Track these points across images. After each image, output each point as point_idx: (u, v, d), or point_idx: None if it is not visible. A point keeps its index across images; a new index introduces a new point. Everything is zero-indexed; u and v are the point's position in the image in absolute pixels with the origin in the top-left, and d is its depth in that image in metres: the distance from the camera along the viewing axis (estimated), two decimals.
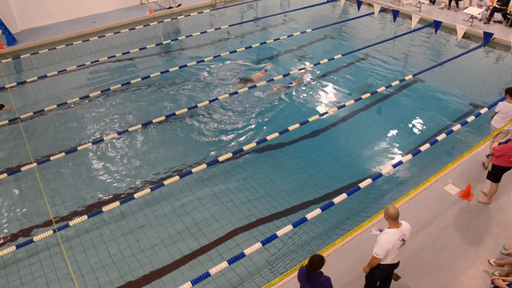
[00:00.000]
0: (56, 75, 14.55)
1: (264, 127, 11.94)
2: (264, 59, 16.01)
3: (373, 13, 18.89)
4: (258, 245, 7.47)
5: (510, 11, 17.58)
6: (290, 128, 10.93)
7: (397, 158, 10.66)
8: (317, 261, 5.48)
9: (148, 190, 9.08)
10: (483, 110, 11.41)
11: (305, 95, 13.65)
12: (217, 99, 12.71)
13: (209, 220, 8.95)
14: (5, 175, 9.80)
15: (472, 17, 18.09)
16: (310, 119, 11.37)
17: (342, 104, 12.37)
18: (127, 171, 10.47)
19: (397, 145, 11.40)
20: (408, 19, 18.46)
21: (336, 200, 8.31)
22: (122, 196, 9.58)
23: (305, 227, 8.50)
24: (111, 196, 9.69)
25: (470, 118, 11.09)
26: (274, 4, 22.84)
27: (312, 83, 14.30)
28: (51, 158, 10.27)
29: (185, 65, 14.66)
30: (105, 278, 7.77)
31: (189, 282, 6.80)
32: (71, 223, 8.38)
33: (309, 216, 7.97)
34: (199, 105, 12.34)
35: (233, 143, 11.32)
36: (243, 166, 10.57)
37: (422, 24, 17.76)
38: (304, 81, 14.37)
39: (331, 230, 8.56)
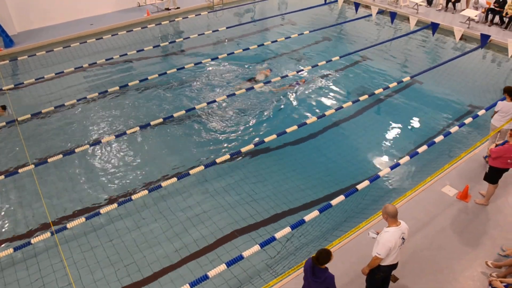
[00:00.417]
0: (53, 77, 14.53)
1: (262, 129, 11.95)
2: (262, 61, 16.01)
3: (370, 15, 18.95)
4: (256, 247, 7.46)
5: (506, 13, 17.64)
6: (288, 130, 10.93)
7: (395, 159, 10.68)
8: (324, 256, 5.50)
9: (145, 192, 9.06)
10: (480, 112, 11.44)
11: (302, 97, 13.66)
12: (215, 101, 12.72)
13: (207, 222, 8.95)
14: (2, 177, 9.75)
15: (469, 19, 18.16)
16: (308, 121, 11.38)
17: (340, 106, 12.38)
18: (124, 173, 10.45)
19: (394, 146, 11.42)
20: (406, 21, 18.51)
21: (334, 202, 8.32)
22: (120, 198, 9.56)
23: (303, 229, 8.50)
24: (109, 198, 9.67)
25: (468, 120, 11.12)
26: (272, 6, 22.87)
27: (310, 85, 14.31)
28: (49, 160, 10.24)
29: (183, 67, 14.66)
30: (103, 280, 7.74)
31: (188, 285, 6.79)
32: (69, 225, 8.35)
33: (307, 218, 7.98)
34: (197, 107, 12.35)
35: (230, 145, 11.33)
36: (241, 168, 10.57)
37: (419, 26, 17.81)
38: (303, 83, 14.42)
39: (329, 232, 8.57)
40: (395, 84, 13.56)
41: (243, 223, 8.91)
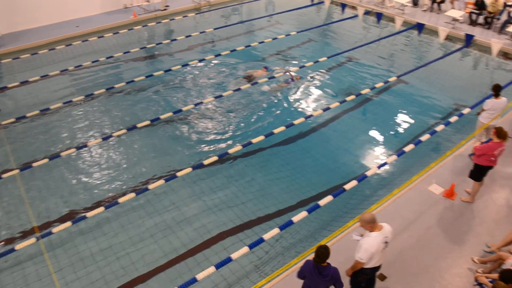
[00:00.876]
0: (38, 80, 14.36)
1: (249, 130, 11.94)
2: (250, 61, 16.00)
3: (357, 15, 19.07)
4: (245, 249, 7.46)
5: (490, 13, 17.85)
6: (276, 131, 10.95)
7: (382, 159, 10.75)
8: (323, 252, 5.55)
9: (133, 194, 9.00)
10: (465, 110, 11.58)
11: (290, 98, 13.68)
12: (202, 102, 12.69)
13: (195, 224, 8.91)
14: None
15: (453, 19, 18.36)
16: (296, 122, 11.41)
17: (327, 106, 12.43)
18: (111, 176, 10.36)
19: (381, 146, 11.50)
20: (392, 21, 18.67)
21: (322, 202, 8.35)
22: (107, 201, 9.47)
23: (292, 230, 8.50)
24: (96, 201, 9.57)
25: (453, 118, 11.26)
26: (259, 7, 22.88)
27: (297, 85, 14.34)
28: (34, 164, 10.12)
29: (170, 69, 14.61)
30: (90, 286, 7.66)
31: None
32: (54, 230, 8.26)
33: (295, 219, 7.99)
34: (183, 108, 12.31)
35: (218, 146, 11.29)
36: (229, 169, 10.55)
37: (405, 27, 17.97)
38: (289, 83, 14.45)
39: (318, 232, 8.58)
40: (381, 84, 13.66)
41: (232, 225, 8.88)
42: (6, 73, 15.45)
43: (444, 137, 11.47)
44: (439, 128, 10.91)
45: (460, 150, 10.62)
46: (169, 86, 14.30)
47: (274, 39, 17.25)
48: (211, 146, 11.32)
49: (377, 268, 6.30)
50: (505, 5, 17.93)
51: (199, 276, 6.94)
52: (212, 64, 15.63)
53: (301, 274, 5.91)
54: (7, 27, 18.16)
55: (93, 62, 15.37)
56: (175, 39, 17.38)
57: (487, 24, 18.06)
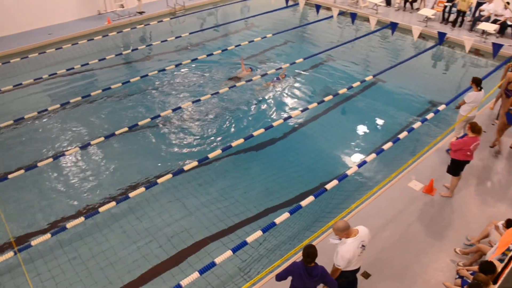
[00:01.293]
0: (11, 90, 14.00)
1: (229, 134, 11.91)
2: (226, 65, 15.97)
3: (332, 16, 19.25)
4: (229, 252, 7.40)
5: (460, 12, 18.24)
6: (255, 133, 10.94)
7: (362, 157, 10.85)
8: (313, 252, 5.49)
9: (113, 203, 8.84)
10: (441, 107, 11.79)
11: (268, 99, 13.71)
12: (180, 107, 12.61)
13: (178, 231, 8.81)
14: None
15: (426, 18, 18.72)
16: (275, 124, 11.42)
17: (306, 107, 12.50)
18: (90, 185, 10.17)
19: (361, 145, 11.61)
20: (366, 21, 18.91)
21: (304, 203, 8.36)
22: (87, 211, 9.29)
23: (275, 232, 8.50)
24: (75, 212, 9.37)
25: (430, 115, 11.45)
26: (234, 11, 22.89)
27: (275, 87, 14.38)
28: (9, 176, 9.84)
29: (147, 75, 14.46)
30: None
31: None
32: (33, 242, 8.05)
33: (277, 220, 7.97)
34: (162, 114, 12.19)
35: (197, 151, 11.22)
36: (209, 174, 10.49)
37: (379, 26, 18.23)
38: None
39: (301, 233, 8.60)
40: (358, 83, 13.80)
41: (214, 229, 8.82)
42: None
43: (421, 133, 11.66)
44: (416, 125, 11.07)
45: (438, 145, 10.82)
46: (146, 92, 14.15)
47: (250, 42, 17.26)
48: (191, 151, 11.23)
49: (357, 270, 6.30)
50: (478, 4, 18.38)
51: (184, 282, 6.85)
52: (189, 69, 15.54)
53: (284, 276, 5.86)
54: None
55: (67, 70, 15.06)
56: (150, 44, 17.24)
57: (457, 22, 18.43)
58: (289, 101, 13.76)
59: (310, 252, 5.51)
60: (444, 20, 18.92)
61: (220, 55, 16.28)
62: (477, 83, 9.89)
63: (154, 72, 14.58)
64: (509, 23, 17.10)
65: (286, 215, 8.09)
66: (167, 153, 11.24)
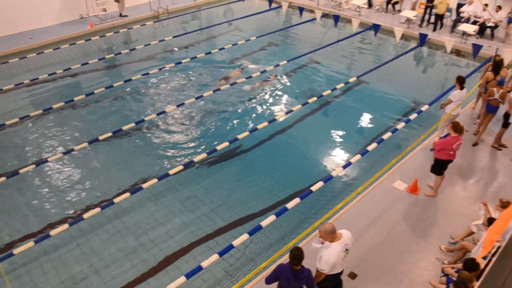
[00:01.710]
0: None
1: (213, 137, 11.86)
2: (211, 68, 15.94)
3: (315, 19, 19.36)
4: (215, 256, 7.37)
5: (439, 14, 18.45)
6: (240, 136, 10.93)
7: (347, 159, 10.92)
8: (300, 254, 5.51)
9: (98, 209, 8.74)
10: (424, 107, 11.93)
11: (252, 102, 13.73)
12: (165, 111, 12.53)
13: (164, 235, 8.75)
14: None
15: (408, 19, 18.96)
16: (259, 126, 11.42)
17: (290, 109, 12.54)
18: (74, 192, 10.04)
19: (346, 146, 11.69)
20: (349, 23, 19.06)
21: (290, 205, 8.37)
22: (71, 218, 9.16)
23: (261, 234, 8.48)
24: (60, 219, 9.24)
25: (413, 116, 11.59)
26: (218, 14, 22.86)
27: (259, 90, 14.40)
28: None
29: (130, 79, 14.33)
30: None
31: None
32: (15, 251, 7.90)
33: (264, 223, 7.97)
34: (146, 118, 12.09)
35: (183, 155, 11.16)
36: (195, 178, 10.44)
37: (362, 28, 18.40)
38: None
39: (288, 236, 8.61)
40: (342, 85, 13.89)
41: (201, 233, 8.78)
42: None
43: (405, 134, 11.78)
44: (400, 125, 11.19)
45: (421, 145, 10.94)
46: (130, 96, 14.05)
47: (234, 44, 17.24)
48: (176, 155, 11.18)
49: (340, 273, 6.32)
50: (458, 5, 18.65)
51: (170, 286, 6.79)
52: (173, 72, 15.47)
53: (273, 278, 5.87)
54: None
55: (49, 75, 14.85)
56: (134, 48, 17.10)
57: (437, 24, 18.64)
58: (274, 103, 13.78)
59: (296, 255, 5.53)
60: (424, 21, 19.12)
61: (204, 58, 16.22)
62: (460, 81, 10.12)
63: (138, 76, 14.47)
64: (488, 24, 17.41)
65: (272, 217, 8.10)
66: (152, 158, 11.15)
